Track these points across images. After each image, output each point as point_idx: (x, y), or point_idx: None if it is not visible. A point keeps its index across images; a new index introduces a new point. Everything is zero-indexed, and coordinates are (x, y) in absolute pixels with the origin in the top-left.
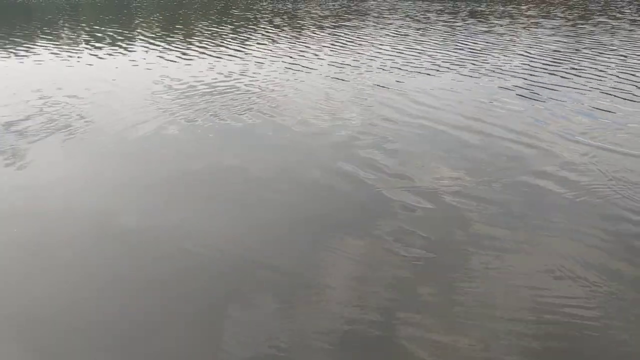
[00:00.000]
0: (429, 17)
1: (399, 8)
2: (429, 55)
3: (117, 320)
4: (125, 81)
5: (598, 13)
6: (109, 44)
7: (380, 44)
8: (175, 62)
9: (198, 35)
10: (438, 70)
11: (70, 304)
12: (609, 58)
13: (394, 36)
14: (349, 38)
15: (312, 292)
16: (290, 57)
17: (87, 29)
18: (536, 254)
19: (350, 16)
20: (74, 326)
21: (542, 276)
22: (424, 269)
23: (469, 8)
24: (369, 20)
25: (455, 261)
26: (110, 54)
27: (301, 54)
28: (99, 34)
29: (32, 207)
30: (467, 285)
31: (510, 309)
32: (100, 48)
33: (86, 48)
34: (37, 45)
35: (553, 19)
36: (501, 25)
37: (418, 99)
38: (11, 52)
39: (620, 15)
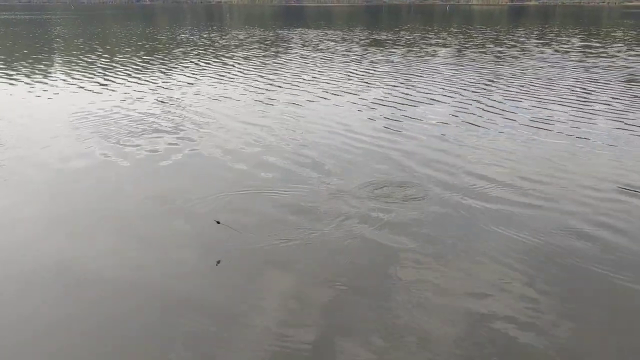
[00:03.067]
0: (330, 46)
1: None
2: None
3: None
4: (44, 110)
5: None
6: (26, 73)
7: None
8: (93, 90)
9: (120, 65)
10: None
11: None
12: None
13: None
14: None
15: (243, 319)
16: (211, 85)
17: (3, 57)
18: (463, 272)
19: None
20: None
21: (471, 295)
22: (353, 291)
23: (373, 36)
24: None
25: (385, 284)
26: (27, 83)
27: (221, 81)
28: (12, 63)
29: None
30: (398, 306)
31: (443, 327)
32: (17, 77)
33: (2, 76)
34: None
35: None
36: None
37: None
38: None
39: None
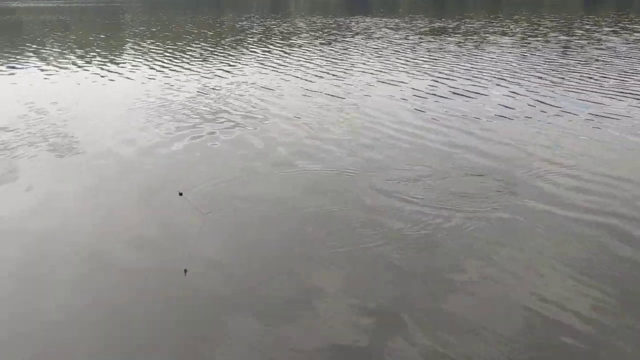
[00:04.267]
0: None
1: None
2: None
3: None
4: (112, 95)
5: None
6: (94, 61)
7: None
8: (154, 78)
9: (181, 52)
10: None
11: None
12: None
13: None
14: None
15: (302, 310)
16: (264, 72)
17: (74, 46)
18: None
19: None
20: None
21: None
22: (416, 283)
23: (432, 25)
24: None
25: (447, 277)
26: (95, 72)
27: (284, 69)
28: (86, 51)
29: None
30: (459, 300)
31: (500, 323)
32: (85, 65)
33: (72, 65)
34: (24, 61)
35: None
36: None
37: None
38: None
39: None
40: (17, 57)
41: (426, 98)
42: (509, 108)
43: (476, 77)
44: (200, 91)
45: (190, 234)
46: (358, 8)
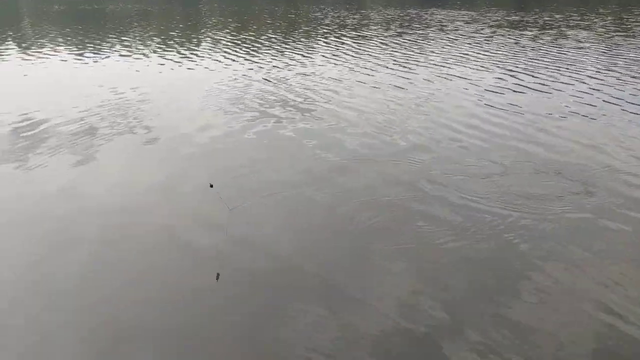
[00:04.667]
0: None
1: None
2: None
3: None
4: (190, 85)
5: None
6: (175, 49)
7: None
8: (228, 66)
9: (258, 42)
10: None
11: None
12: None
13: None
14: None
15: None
16: (329, 63)
17: (154, 35)
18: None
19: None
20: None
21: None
22: (480, 284)
23: (508, 17)
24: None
25: (513, 278)
26: (175, 60)
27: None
28: (167, 40)
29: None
30: (525, 302)
31: (570, 329)
32: (165, 54)
33: (152, 53)
34: (108, 49)
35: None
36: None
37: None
38: (85, 55)
39: None
40: (103, 45)
41: (498, 93)
42: (586, 105)
43: (551, 72)
44: (272, 80)
45: (255, 214)
46: (433, 0)
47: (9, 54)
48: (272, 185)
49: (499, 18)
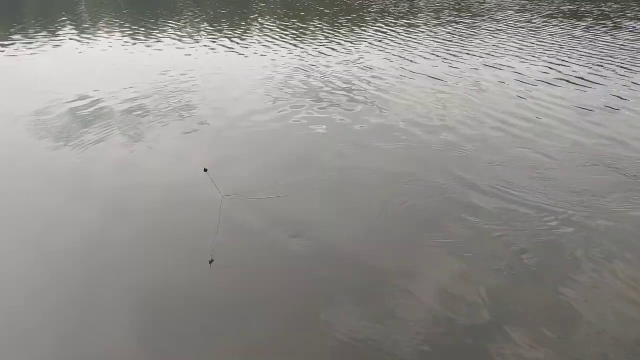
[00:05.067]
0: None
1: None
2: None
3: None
4: (239, 70)
5: None
6: (225, 35)
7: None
8: (277, 53)
9: (313, 30)
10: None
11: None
12: None
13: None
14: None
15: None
16: (401, 53)
17: (205, 21)
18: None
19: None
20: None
21: None
22: (526, 279)
23: (562, 7)
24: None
25: (562, 273)
26: (224, 45)
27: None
28: (217, 25)
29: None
30: (571, 299)
31: (615, 328)
32: (216, 39)
33: (204, 39)
34: (161, 34)
35: None
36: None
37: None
38: (137, 39)
39: None
40: (155, 29)
41: (548, 83)
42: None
43: (605, 64)
44: (319, 67)
45: (298, 200)
46: None
47: (66, 37)
48: (320, 169)
49: (555, 7)
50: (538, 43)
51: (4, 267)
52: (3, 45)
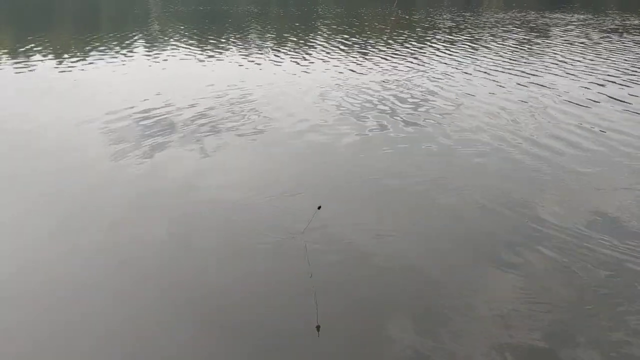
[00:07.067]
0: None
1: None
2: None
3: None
4: (297, 85)
5: None
6: (287, 51)
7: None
8: (342, 71)
9: (372, 45)
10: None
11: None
12: None
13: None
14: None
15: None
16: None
17: (270, 35)
18: None
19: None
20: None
21: None
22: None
23: (616, 22)
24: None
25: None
26: (286, 60)
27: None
28: (279, 41)
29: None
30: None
31: None
32: (279, 54)
33: (268, 54)
34: (225, 48)
35: None
36: None
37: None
38: (205, 53)
39: None
40: (222, 44)
41: (612, 98)
42: None
43: None
44: (380, 83)
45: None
46: (557, 3)
47: (136, 51)
48: (392, 183)
49: (619, 22)
50: (598, 58)
51: (86, 274)
52: (78, 57)
